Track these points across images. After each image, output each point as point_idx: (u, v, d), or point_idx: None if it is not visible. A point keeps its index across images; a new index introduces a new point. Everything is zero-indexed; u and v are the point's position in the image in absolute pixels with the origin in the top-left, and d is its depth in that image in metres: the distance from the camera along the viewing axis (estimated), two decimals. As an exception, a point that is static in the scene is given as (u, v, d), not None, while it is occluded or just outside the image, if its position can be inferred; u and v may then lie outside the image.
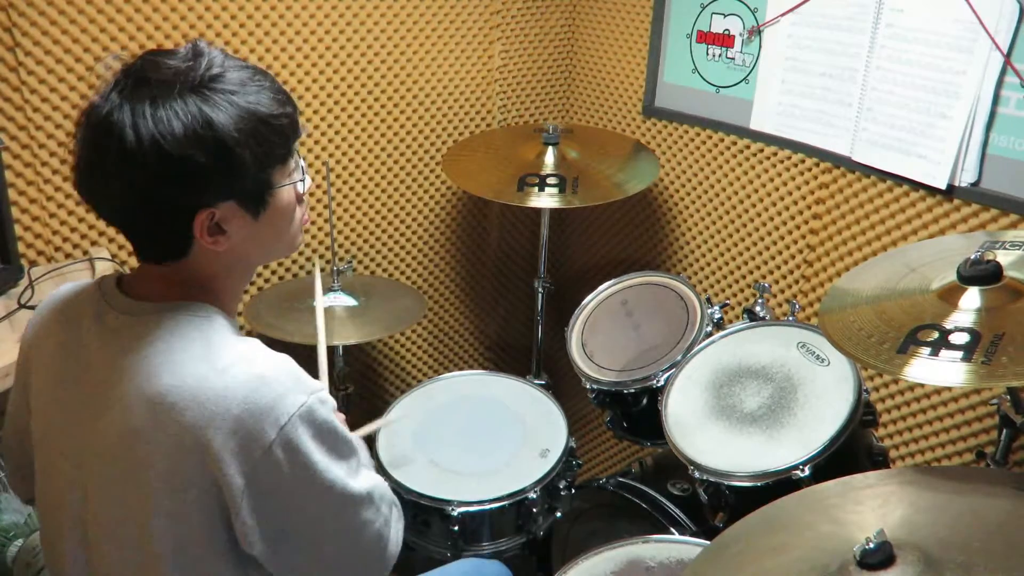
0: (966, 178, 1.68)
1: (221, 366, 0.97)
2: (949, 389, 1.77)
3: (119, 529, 1.00)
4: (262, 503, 0.97)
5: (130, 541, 1.00)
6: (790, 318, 1.78)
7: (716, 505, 1.58)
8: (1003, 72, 1.59)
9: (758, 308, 1.81)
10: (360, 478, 1.06)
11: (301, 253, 2.25)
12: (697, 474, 1.55)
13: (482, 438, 1.95)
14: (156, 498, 0.96)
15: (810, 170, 2.00)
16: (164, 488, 0.96)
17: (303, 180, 1.08)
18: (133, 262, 2.00)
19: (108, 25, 1.81)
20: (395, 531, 1.14)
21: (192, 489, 0.96)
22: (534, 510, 1.82)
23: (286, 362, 1.00)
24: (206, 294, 1.05)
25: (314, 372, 1.06)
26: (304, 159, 1.12)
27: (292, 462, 0.96)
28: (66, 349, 1.06)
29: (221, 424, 0.93)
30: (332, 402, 1.02)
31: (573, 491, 1.93)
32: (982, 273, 1.17)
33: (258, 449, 0.94)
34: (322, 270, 2.22)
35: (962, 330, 1.13)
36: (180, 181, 0.94)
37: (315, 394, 0.99)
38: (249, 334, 2.17)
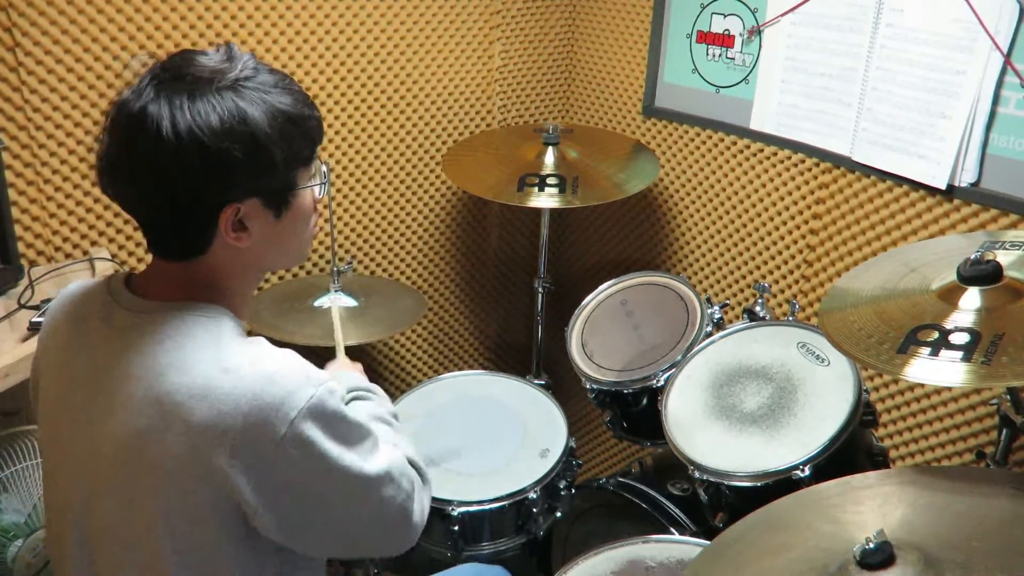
0: (966, 178, 1.68)
1: (230, 366, 0.97)
2: (949, 389, 1.77)
3: (124, 530, 1.00)
4: (279, 498, 0.98)
5: (136, 543, 1.00)
6: (790, 318, 1.78)
7: (716, 505, 1.58)
8: (1003, 72, 1.59)
9: (758, 308, 1.81)
10: (376, 459, 1.07)
11: (301, 253, 2.25)
12: (697, 474, 1.55)
13: (482, 438, 1.95)
14: (164, 499, 0.97)
15: (810, 170, 2.00)
16: (173, 489, 0.96)
17: (322, 185, 1.11)
18: (133, 262, 2.00)
19: (108, 25, 1.81)
20: (419, 502, 1.14)
21: (202, 489, 0.96)
22: (534, 510, 1.82)
23: (292, 358, 1.01)
24: (217, 295, 1.06)
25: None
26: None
27: (305, 455, 0.97)
28: (73, 349, 1.07)
29: (231, 424, 0.94)
30: (340, 391, 1.03)
31: (573, 491, 1.93)
32: (982, 273, 1.17)
33: (269, 446, 0.95)
34: (321, 271, 2.21)
35: (962, 330, 1.13)
36: (213, 174, 0.96)
37: (322, 386, 0.99)
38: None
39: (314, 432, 0.98)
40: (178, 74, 0.97)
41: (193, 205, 0.98)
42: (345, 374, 1.37)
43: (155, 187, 0.97)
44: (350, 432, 1.04)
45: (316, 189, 1.10)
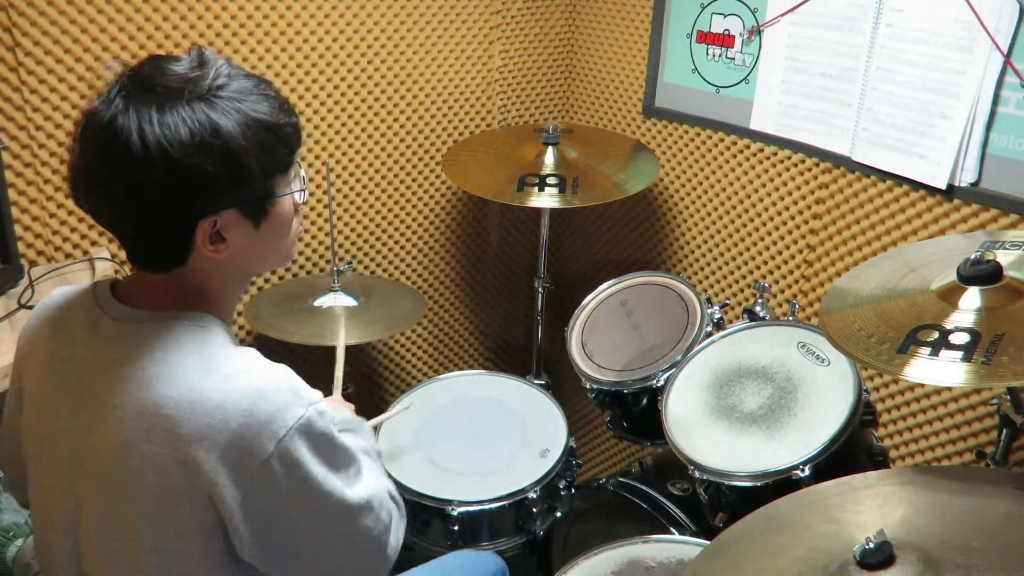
0: (966, 178, 1.68)
1: (218, 378, 0.96)
2: (949, 389, 1.77)
3: (110, 541, 1.00)
4: (260, 516, 0.97)
5: (121, 553, 0.99)
6: (790, 318, 1.78)
7: (716, 505, 1.58)
8: (1003, 72, 1.59)
9: (758, 308, 1.81)
10: (358, 486, 1.06)
11: (301, 253, 2.25)
12: (697, 474, 1.55)
13: (482, 438, 1.95)
14: (148, 511, 0.96)
15: (810, 170, 2.00)
16: (157, 501, 0.95)
17: (302, 191, 1.09)
18: (133, 262, 2.00)
19: (108, 25, 1.81)
20: (395, 535, 1.13)
21: (186, 503, 0.95)
22: (534, 510, 1.82)
23: (284, 374, 0.99)
24: (203, 302, 1.04)
25: (311, 377, 1.06)
26: (304, 160, 1.12)
27: (290, 475, 0.96)
28: (57, 357, 1.05)
29: (217, 437, 0.93)
30: (330, 413, 1.02)
31: (573, 491, 1.93)
32: (982, 273, 1.18)
33: (256, 463, 0.94)
34: (321, 270, 2.22)
35: (962, 330, 1.13)
36: (185, 188, 0.93)
37: (313, 406, 0.98)
38: (249, 334, 2.18)
39: (302, 452, 0.96)
40: (148, 84, 0.93)
41: (166, 220, 0.96)
42: (334, 407, 1.35)
43: (126, 202, 0.95)
44: (336, 455, 1.02)
45: (297, 195, 1.07)
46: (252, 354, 1.01)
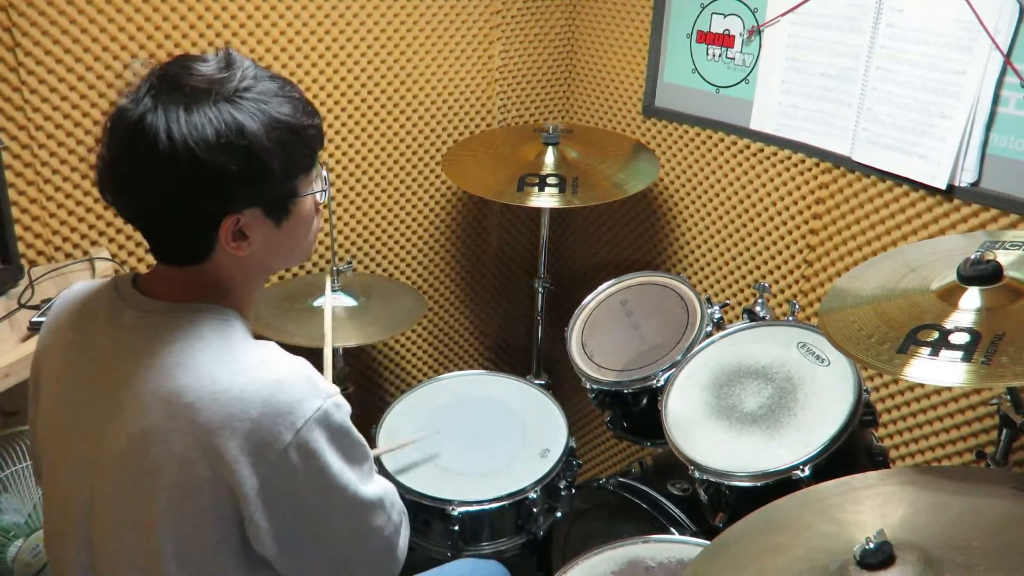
0: (966, 178, 1.68)
1: (239, 368, 0.97)
2: (949, 389, 1.77)
3: (126, 531, 1.00)
4: (275, 505, 0.97)
5: (137, 543, 0.99)
6: (790, 318, 1.78)
7: (716, 505, 1.58)
8: (1003, 72, 1.59)
9: (758, 308, 1.81)
10: (372, 484, 1.08)
11: (302, 253, 2.26)
12: (697, 474, 1.55)
13: (482, 438, 1.95)
14: (166, 500, 0.96)
15: (810, 170, 2.00)
16: (176, 490, 0.96)
17: (324, 191, 1.11)
18: (133, 262, 2.00)
19: (108, 25, 1.81)
20: (403, 537, 1.15)
21: (204, 491, 0.96)
22: (534, 510, 1.82)
23: (303, 366, 1.01)
24: (223, 297, 1.06)
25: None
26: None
27: (307, 466, 0.97)
28: (77, 348, 1.06)
29: (238, 426, 0.94)
30: (347, 407, 1.03)
31: (573, 491, 1.93)
32: (982, 273, 1.18)
33: (273, 452, 0.95)
34: (321, 270, 2.22)
35: (962, 330, 1.13)
36: (210, 187, 0.95)
37: (331, 398, 1.00)
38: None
39: (319, 443, 0.98)
40: (175, 84, 0.96)
41: (191, 217, 0.98)
42: None
43: (152, 198, 0.97)
44: (353, 449, 1.04)
45: (318, 195, 1.10)
46: (271, 347, 1.03)
